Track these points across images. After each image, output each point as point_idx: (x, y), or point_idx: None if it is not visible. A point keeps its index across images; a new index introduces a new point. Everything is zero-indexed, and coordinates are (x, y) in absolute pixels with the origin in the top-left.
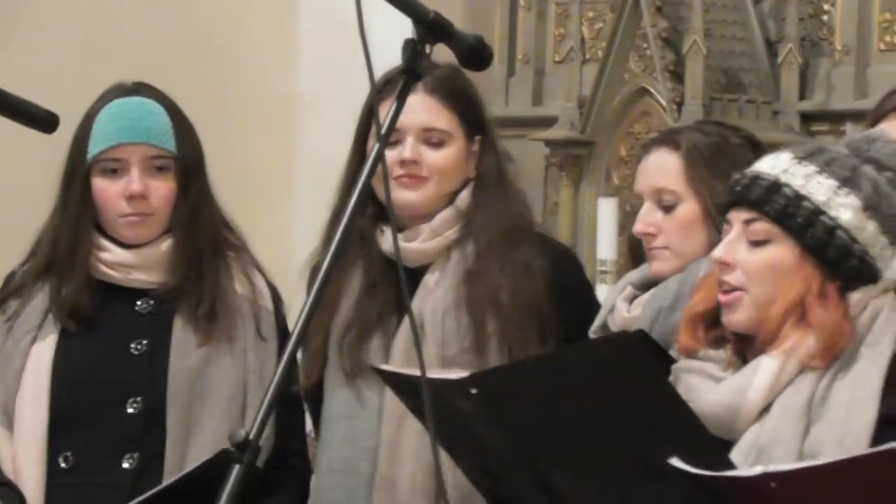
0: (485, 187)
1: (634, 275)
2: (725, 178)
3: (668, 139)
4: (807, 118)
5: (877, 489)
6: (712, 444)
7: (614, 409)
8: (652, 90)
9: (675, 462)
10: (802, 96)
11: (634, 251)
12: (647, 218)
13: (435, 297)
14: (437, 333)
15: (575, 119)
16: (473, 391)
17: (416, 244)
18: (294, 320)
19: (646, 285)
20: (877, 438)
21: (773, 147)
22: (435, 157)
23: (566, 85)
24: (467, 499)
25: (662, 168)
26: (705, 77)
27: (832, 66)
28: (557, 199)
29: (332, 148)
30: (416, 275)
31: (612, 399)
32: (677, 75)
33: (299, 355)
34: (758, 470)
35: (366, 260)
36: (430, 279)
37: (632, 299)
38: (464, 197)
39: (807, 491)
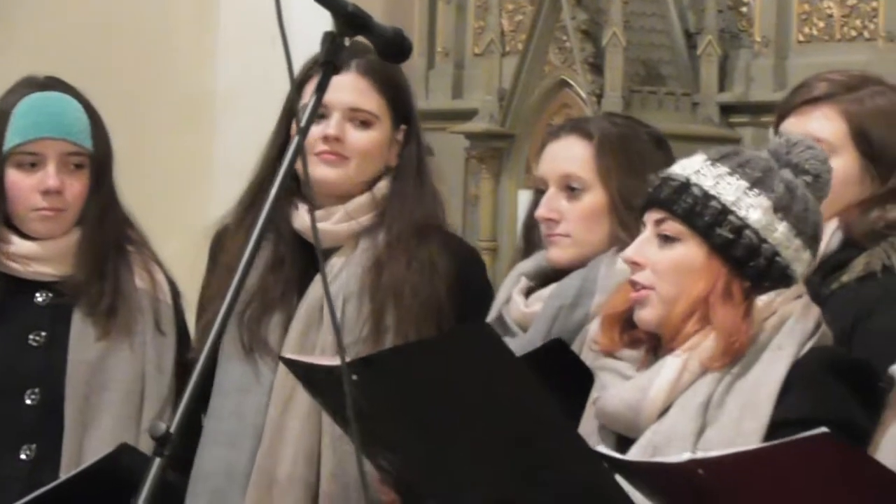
0: (403, 179)
1: (528, 265)
2: (633, 172)
3: (579, 127)
4: (726, 110)
5: (804, 474)
6: (581, 442)
7: (481, 397)
8: (572, 82)
9: (601, 449)
10: (722, 88)
11: (528, 237)
12: (552, 203)
13: (338, 283)
14: (337, 319)
15: (495, 112)
16: (354, 377)
17: (329, 224)
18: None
19: (540, 275)
20: (764, 441)
21: (688, 140)
22: (358, 138)
23: (486, 78)
24: (344, 490)
25: (571, 154)
26: (625, 69)
27: (751, 57)
28: (478, 191)
29: (252, 142)
30: (322, 255)
31: (478, 388)
32: (597, 67)
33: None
34: (685, 456)
35: (276, 234)
36: (336, 262)
37: (527, 291)
38: (381, 186)
39: (734, 477)
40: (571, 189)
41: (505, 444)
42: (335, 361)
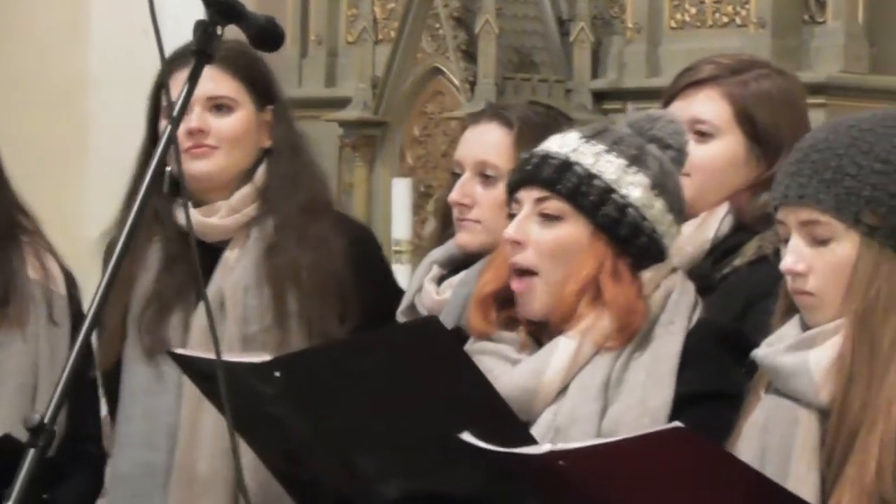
0: (280, 160)
1: (439, 253)
2: None
3: (500, 114)
4: (599, 96)
5: (663, 467)
6: (521, 427)
7: (418, 391)
8: (445, 70)
9: (467, 437)
10: (595, 75)
11: (443, 217)
12: (466, 188)
13: (236, 275)
14: (239, 311)
15: (368, 100)
16: (277, 374)
17: (216, 220)
18: (89, 300)
19: (452, 263)
20: (673, 417)
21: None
22: (221, 125)
23: (359, 66)
24: (266, 485)
25: (490, 141)
26: (498, 56)
27: (624, 44)
28: (352, 179)
29: (125, 129)
30: (214, 251)
31: (416, 382)
32: (470, 55)
33: (96, 339)
34: (545, 448)
35: (163, 236)
36: (230, 256)
37: (439, 279)
38: (260, 173)
39: (595, 468)
40: (486, 176)
41: (435, 432)
42: (247, 357)
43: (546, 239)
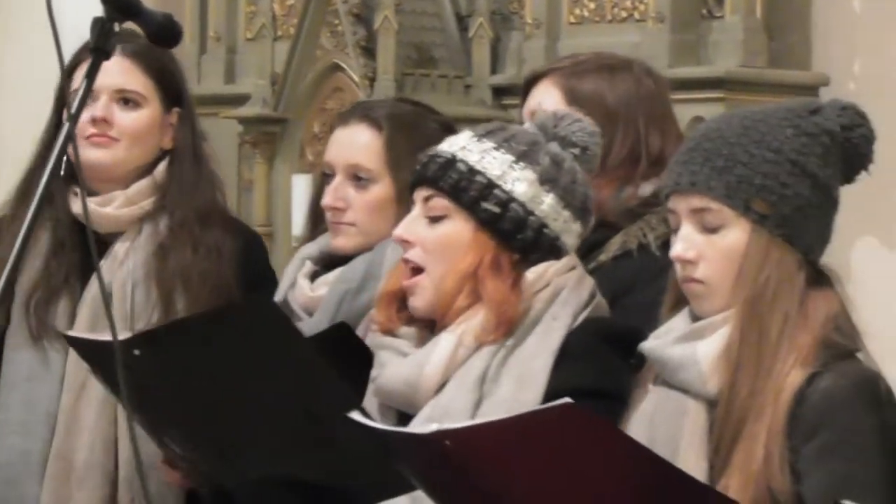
0: (182, 163)
1: (311, 248)
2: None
3: (368, 115)
4: (499, 92)
5: (552, 444)
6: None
7: (264, 370)
8: (344, 66)
9: (355, 416)
10: (494, 70)
11: (314, 220)
12: (338, 192)
13: (125, 270)
14: (126, 307)
15: (268, 96)
16: (136, 352)
17: (111, 210)
18: None
19: (324, 259)
20: None
21: (461, 123)
22: (126, 118)
23: (258, 62)
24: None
25: (361, 144)
26: (397, 52)
27: (523, 39)
28: (251, 176)
29: (27, 129)
30: (104, 241)
31: (262, 361)
32: (369, 51)
33: None
34: (433, 427)
35: (54, 220)
36: (119, 249)
37: (312, 275)
38: (161, 169)
39: (480, 448)
40: (359, 178)
41: (286, 416)
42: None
43: (431, 237)
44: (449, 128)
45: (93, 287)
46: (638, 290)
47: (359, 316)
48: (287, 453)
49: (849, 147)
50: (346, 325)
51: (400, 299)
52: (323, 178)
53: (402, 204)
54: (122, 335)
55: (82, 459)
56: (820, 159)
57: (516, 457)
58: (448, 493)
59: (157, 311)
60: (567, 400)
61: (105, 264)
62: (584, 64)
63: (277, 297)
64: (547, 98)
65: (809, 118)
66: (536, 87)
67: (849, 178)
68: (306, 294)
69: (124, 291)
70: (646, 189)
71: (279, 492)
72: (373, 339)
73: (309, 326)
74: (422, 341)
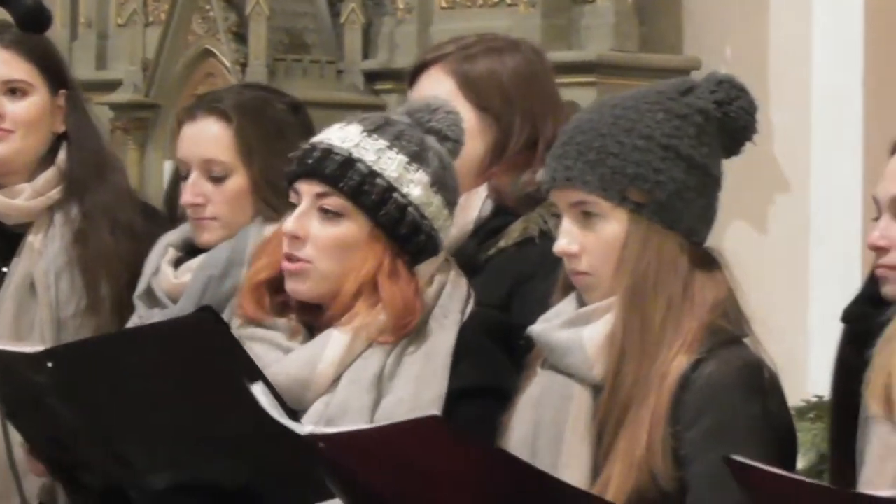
0: (81, 147)
1: (174, 236)
2: (273, 148)
3: (215, 107)
4: (371, 77)
5: (418, 456)
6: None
7: (188, 384)
8: (216, 52)
9: (256, 390)
10: (366, 55)
11: (170, 209)
12: (196, 188)
13: (45, 259)
14: (51, 295)
15: (139, 82)
16: (49, 365)
17: (20, 202)
18: None
19: (188, 245)
20: (447, 411)
21: (333, 108)
22: (17, 108)
23: (129, 48)
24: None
25: (211, 138)
26: (269, 38)
27: (395, 24)
28: (124, 162)
29: None
30: (14, 234)
31: (186, 375)
32: (241, 37)
33: None
34: (307, 429)
35: None
36: (34, 240)
37: (176, 262)
38: (62, 157)
39: (353, 454)
40: (214, 173)
41: (209, 426)
42: (20, 347)
43: (325, 235)
44: (297, 108)
45: (12, 281)
46: (540, 277)
47: (223, 301)
48: (203, 460)
49: (728, 121)
50: (210, 308)
51: (269, 288)
52: (178, 173)
53: (259, 193)
54: (34, 347)
55: None
56: (694, 140)
57: (387, 464)
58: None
59: (84, 298)
60: (433, 413)
61: (23, 257)
62: (472, 48)
63: (141, 285)
64: (438, 86)
65: (681, 99)
66: (425, 75)
67: (732, 151)
68: (170, 281)
69: (48, 280)
70: (543, 174)
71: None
72: (243, 331)
73: (174, 313)
74: (296, 334)
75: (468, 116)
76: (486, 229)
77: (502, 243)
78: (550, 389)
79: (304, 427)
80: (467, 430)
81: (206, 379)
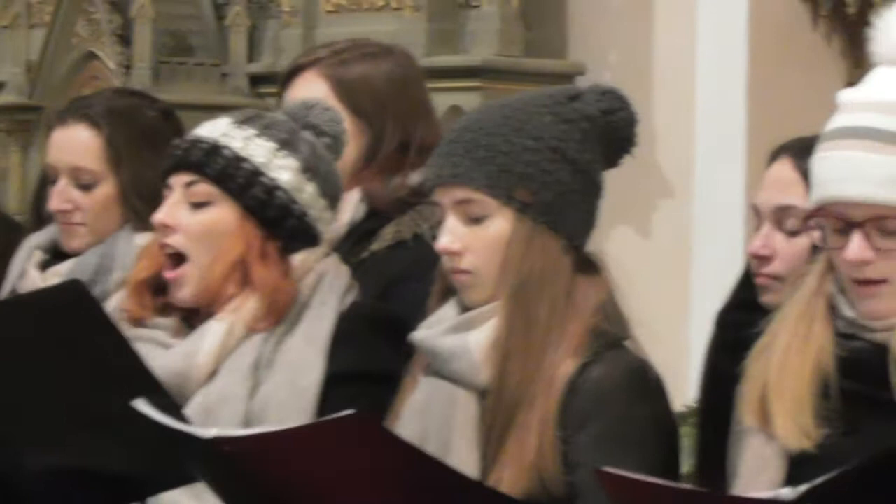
0: None
1: (41, 238)
2: (142, 156)
3: (86, 115)
4: (256, 80)
5: (336, 454)
6: (165, 395)
7: (62, 360)
8: (100, 54)
9: (141, 406)
10: (251, 59)
11: (38, 212)
12: (64, 195)
13: None
14: None
15: (23, 84)
16: None
17: None
18: None
19: (54, 248)
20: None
21: (218, 111)
22: None
23: (13, 50)
24: None
25: (80, 145)
26: (153, 40)
27: (280, 28)
28: (7, 164)
29: None
30: None
31: (59, 349)
32: (125, 39)
33: None
34: (212, 432)
35: None
36: None
37: (43, 265)
38: None
39: (262, 456)
40: (82, 180)
41: (86, 404)
42: None
43: (195, 223)
44: (169, 115)
45: None
46: (413, 279)
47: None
48: (78, 440)
49: (610, 131)
50: (79, 281)
51: (152, 287)
52: (44, 177)
53: (127, 201)
54: None
55: None
56: (580, 144)
57: (303, 464)
58: (232, 491)
59: None
60: (350, 411)
61: None
62: (346, 52)
63: (5, 288)
64: (313, 89)
65: (569, 104)
66: (299, 79)
67: (612, 161)
68: (37, 284)
69: None
70: (414, 178)
71: (69, 482)
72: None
73: None
74: (180, 332)
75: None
76: (359, 232)
77: (375, 246)
78: (436, 396)
79: (209, 430)
80: (385, 428)
81: (76, 353)
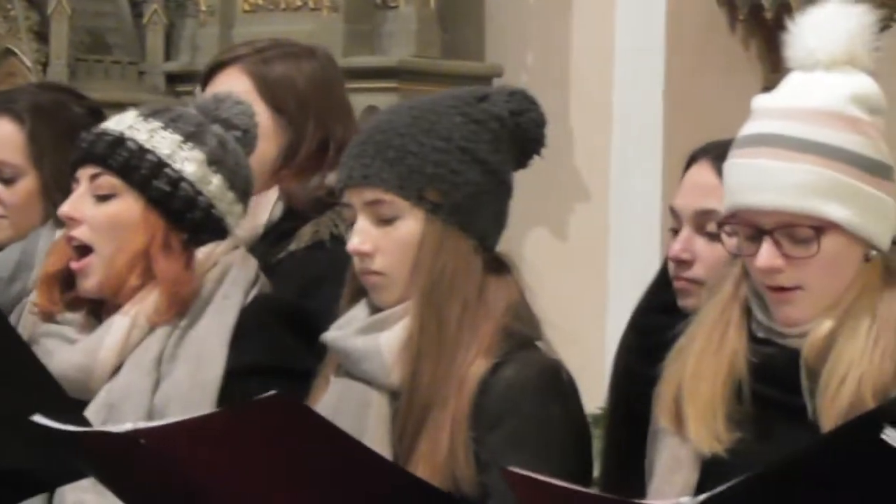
0: None
1: None
2: (65, 151)
3: (8, 108)
4: (172, 78)
5: (258, 437)
6: (67, 400)
7: None
8: (17, 51)
9: (39, 419)
10: (168, 57)
11: None
12: None
13: None
14: None
15: None
16: None
17: None
18: None
19: None
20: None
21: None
22: None
23: None
24: None
25: (3, 139)
26: (70, 37)
27: (197, 26)
28: None
29: None
30: None
31: None
32: (42, 36)
33: None
34: (127, 426)
35: None
36: None
37: None
38: None
39: (174, 445)
40: (3, 174)
41: None
42: None
43: (99, 215)
44: (96, 112)
45: None
46: (330, 280)
47: (11, 305)
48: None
49: (519, 132)
50: None
51: (62, 281)
52: None
53: (49, 196)
54: None
55: None
56: (489, 145)
57: (222, 451)
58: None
59: None
60: (274, 392)
61: None
62: (268, 51)
63: None
64: (235, 85)
65: (478, 105)
66: (221, 75)
67: (522, 163)
68: None
69: None
70: (333, 178)
71: None
72: (35, 328)
73: None
74: (86, 327)
75: (263, 117)
76: (277, 232)
77: (292, 246)
78: (348, 397)
79: (124, 425)
80: (306, 407)
81: None
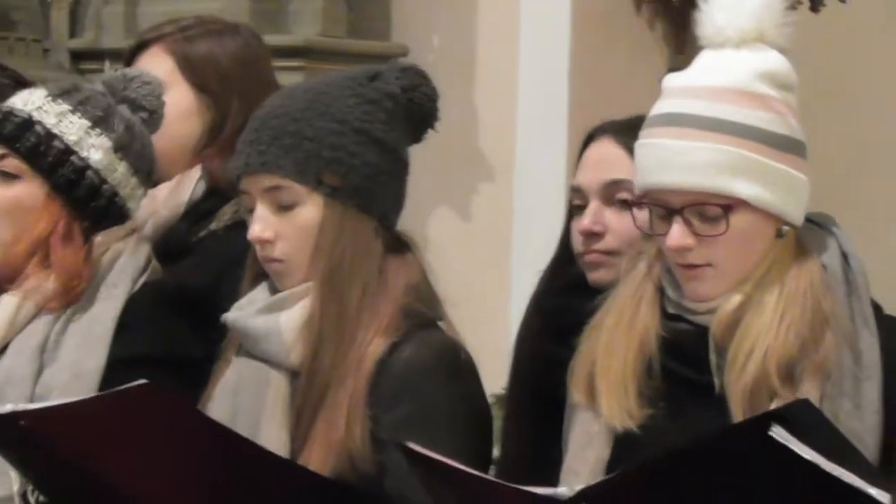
0: None
1: None
2: None
3: None
4: (77, 56)
5: (131, 425)
6: None
7: None
8: None
9: None
10: (73, 34)
11: None
12: None
13: None
14: None
15: None
16: None
17: None
18: None
19: None
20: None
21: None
22: None
23: None
24: None
25: None
26: None
27: (102, 4)
28: None
29: None
30: None
31: None
32: None
33: None
34: (7, 408)
35: None
36: None
37: None
38: None
39: (59, 429)
40: None
41: None
42: None
43: (1, 197)
44: (21, 82)
45: None
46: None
47: None
48: None
49: (412, 108)
50: None
51: None
52: None
53: None
54: None
55: None
56: (385, 124)
57: (99, 436)
58: (40, 469)
59: None
60: (142, 381)
61: None
62: (191, 29)
63: None
64: (157, 65)
65: (370, 84)
66: (145, 54)
67: (417, 137)
68: None
69: None
70: (234, 161)
71: None
72: None
73: None
74: None
75: (186, 96)
76: (198, 211)
77: (213, 226)
78: (247, 376)
79: (4, 406)
80: (179, 396)
81: None
